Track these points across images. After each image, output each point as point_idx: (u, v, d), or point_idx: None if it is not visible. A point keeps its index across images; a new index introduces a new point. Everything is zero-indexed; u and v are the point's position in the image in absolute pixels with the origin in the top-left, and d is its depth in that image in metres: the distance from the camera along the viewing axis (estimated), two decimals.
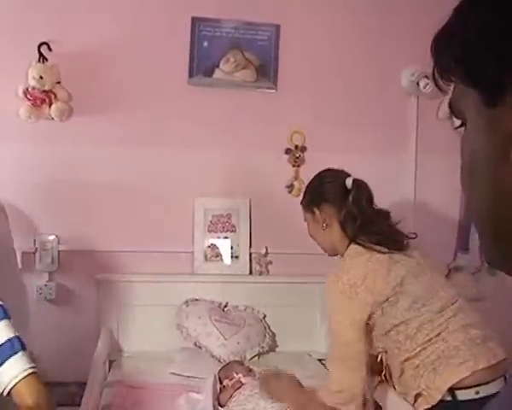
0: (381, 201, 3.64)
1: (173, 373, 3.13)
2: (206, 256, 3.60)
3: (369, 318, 2.31)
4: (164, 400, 2.78)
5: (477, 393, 2.16)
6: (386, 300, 2.29)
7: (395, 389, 2.43)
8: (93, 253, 3.51)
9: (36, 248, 3.41)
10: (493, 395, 2.18)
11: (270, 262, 3.61)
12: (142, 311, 3.44)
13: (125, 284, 3.47)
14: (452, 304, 2.35)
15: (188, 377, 3.08)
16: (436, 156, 3.71)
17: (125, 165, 3.54)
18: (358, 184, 2.50)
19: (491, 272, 3.71)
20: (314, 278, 3.27)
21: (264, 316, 3.47)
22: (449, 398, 2.18)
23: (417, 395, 2.26)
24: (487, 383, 2.17)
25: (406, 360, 2.30)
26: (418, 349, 2.27)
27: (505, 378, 2.21)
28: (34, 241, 3.41)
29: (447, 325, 2.29)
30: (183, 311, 3.39)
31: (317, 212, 2.52)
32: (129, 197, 3.54)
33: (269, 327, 3.48)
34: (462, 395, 2.17)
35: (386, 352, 2.39)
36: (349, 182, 2.50)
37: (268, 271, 3.60)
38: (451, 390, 2.17)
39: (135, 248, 3.52)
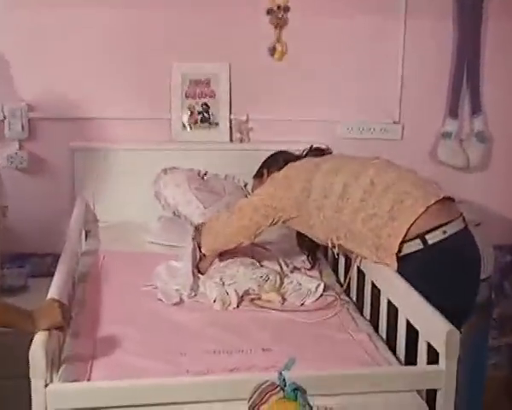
0: (367, 65, 3.53)
1: (152, 242, 3.10)
2: (183, 123, 3.48)
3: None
4: (142, 268, 2.74)
5: (444, 233, 2.27)
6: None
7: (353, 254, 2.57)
8: (66, 120, 3.39)
9: (4, 116, 3.27)
10: (459, 233, 2.25)
11: (251, 129, 3.51)
12: (119, 180, 3.35)
13: (101, 152, 3.36)
14: (372, 162, 2.55)
15: (167, 245, 3.04)
16: (426, 19, 3.54)
17: (98, 27, 3.35)
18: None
19: (481, 140, 3.61)
20: (295, 145, 3.13)
21: (245, 184, 3.39)
22: (420, 246, 2.28)
23: (378, 248, 2.35)
24: (451, 221, 2.30)
25: (352, 221, 2.41)
26: (357, 205, 2.40)
27: (463, 218, 2.37)
28: (2, 108, 3.27)
29: (379, 176, 2.44)
30: (160, 179, 3.29)
31: (266, 174, 2.86)
32: (103, 62, 3.39)
33: (249, 195, 3.40)
34: (432, 238, 2.27)
35: (337, 237, 2.50)
36: None
37: (249, 138, 3.52)
38: (422, 237, 2.27)
39: (110, 115, 3.41)
